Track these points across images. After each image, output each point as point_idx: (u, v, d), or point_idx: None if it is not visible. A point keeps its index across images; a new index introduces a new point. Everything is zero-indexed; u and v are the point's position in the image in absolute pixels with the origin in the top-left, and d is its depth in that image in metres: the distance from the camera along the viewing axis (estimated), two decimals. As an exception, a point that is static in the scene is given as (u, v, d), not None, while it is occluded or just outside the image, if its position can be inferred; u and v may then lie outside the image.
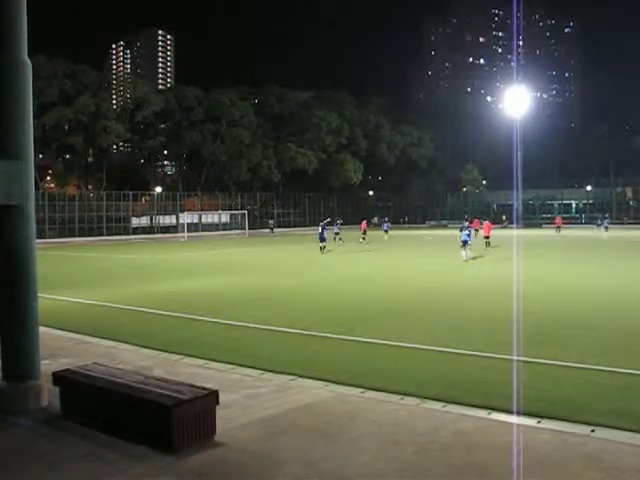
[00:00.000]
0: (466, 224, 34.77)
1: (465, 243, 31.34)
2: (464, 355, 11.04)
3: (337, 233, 49.50)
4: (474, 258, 31.60)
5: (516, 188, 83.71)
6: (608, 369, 9.88)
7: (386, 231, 55.04)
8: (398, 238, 54.35)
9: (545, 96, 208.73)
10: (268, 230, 75.98)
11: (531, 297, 17.23)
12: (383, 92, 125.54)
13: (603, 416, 7.61)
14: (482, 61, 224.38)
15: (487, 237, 40.10)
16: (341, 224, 53.04)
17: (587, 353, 10.97)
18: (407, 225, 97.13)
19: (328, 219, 45.80)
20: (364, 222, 53.64)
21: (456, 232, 35.53)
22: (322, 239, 38.47)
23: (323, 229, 39.00)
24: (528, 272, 24.23)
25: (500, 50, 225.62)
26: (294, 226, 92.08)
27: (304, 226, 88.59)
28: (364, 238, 49.07)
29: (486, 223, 42.81)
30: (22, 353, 8.33)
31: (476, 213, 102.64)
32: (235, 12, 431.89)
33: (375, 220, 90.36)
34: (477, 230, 52.78)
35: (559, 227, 63.67)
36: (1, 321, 8.36)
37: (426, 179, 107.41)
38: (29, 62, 8.46)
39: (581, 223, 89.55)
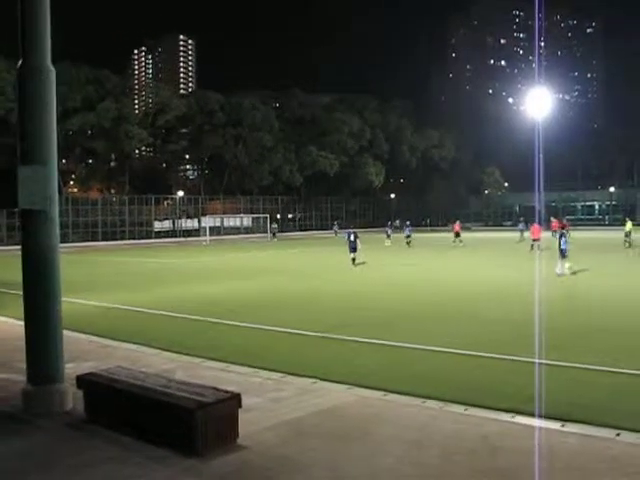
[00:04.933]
0: (564, 231, 27.13)
1: (563, 253, 24.87)
2: (486, 358, 10.99)
3: (408, 236, 48.29)
4: (574, 273, 24.80)
5: (538, 190, 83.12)
6: (633, 372, 9.79)
7: (409, 236, 50.11)
8: (421, 241, 53.84)
9: (567, 97, 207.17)
10: (270, 235, 71.51)
11: (556, 301, 17.10)
12: (404, 94, 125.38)
13: (628, 419, 7.52)
14: (503, 63, 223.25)
15: (536, 240, 38.91)
16: (411, 226, 51.30)
17: (612, 356, 10.86)
18: (429, 228, 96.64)
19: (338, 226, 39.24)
20: (457, 223, 50.94)
21: (488, 234, 34.30)
22: (353, 249, 31.86)
23: (356, 237, 32.17)
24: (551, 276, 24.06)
25: (521, 51, 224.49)
26: (315, 229, 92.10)
27: (325, 229, 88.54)
28: (460, 240, 47.81)
29: (535, 225, 41.51)
30: (46, 356, 8.38)
31: (498, 216, 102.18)
32: (255, 17, 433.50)
33: (397, 223, 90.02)
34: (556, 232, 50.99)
35: (555, 231, 50.61)
36: (26, 325, 8.43)
37: (448, 181, 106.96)
38: (53, 68, 8.53)
39: (604, 225, 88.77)
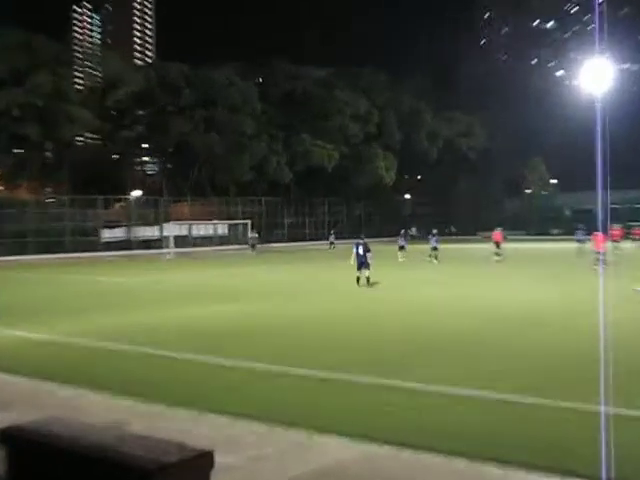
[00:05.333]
0: None
1: None
2: (527, 405, 10.93)
3: (435, 248, 47.32)
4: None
5: (600, 188, 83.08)
6: None
7: (435, 248, 48.51)
8: (447, 254, 53.12)
9: (635, 68, 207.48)
10: (249, 248, 71.52)
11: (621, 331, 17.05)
12: (423, 68, 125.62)
13: None
14: (550, 25, 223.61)
15: (599, 252, 38.90)
16: (438, 236, 49.63)
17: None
18: (454, 237, 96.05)
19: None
20: (497, 232, 50.25)
21: (531, 245, 34.13)
22: (362, 264, 31.27)
23: (365, 251, 31.37)
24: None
25: (574, 10, 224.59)
26: (309, 239, 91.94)
27: (322, 239, 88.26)
28: (497, 254, 47.65)
29: (598, 235, 41.37)
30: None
31: (543, 220, 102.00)
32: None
33: (414, 231, 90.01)
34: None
35: (617, 241, 52.18)
36: None
37: (478, 178, 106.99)
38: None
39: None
